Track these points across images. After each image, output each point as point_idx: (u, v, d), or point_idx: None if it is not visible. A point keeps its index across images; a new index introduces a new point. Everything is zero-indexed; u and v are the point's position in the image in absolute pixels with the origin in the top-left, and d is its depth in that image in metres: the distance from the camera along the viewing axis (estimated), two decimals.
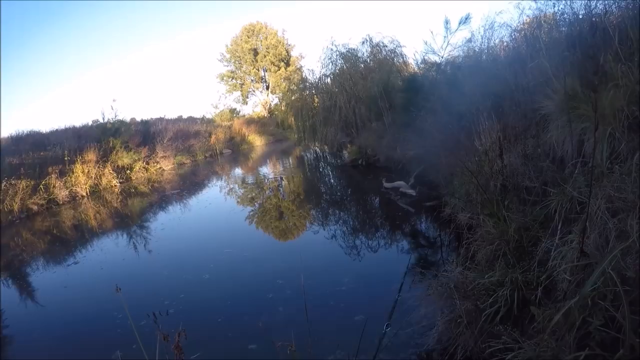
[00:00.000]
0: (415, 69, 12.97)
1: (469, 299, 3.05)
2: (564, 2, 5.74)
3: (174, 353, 1.98)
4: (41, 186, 13.11)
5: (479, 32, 8.24)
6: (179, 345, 1.98)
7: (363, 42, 14.75)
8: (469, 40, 8.77)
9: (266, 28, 38.13)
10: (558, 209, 3.19)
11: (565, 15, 5.65)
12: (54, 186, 13.51)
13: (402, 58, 14.18)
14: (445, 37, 9.84)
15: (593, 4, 4.96)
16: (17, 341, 4.63)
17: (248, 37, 37.77)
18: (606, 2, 4.79)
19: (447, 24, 9.70)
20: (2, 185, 12.05)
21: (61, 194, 13.60)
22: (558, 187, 3.39)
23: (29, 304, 5.73)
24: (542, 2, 6.27)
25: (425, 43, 10.83)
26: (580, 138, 3.54)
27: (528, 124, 4.78)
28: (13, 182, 12.33)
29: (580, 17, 5.18)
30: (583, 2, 5.16)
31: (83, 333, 4.51)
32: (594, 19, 4.74)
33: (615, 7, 4.62)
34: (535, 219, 3.47)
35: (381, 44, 14.37)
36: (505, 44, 7.51)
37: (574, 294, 2.23)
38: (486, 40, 7.89)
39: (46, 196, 13.08)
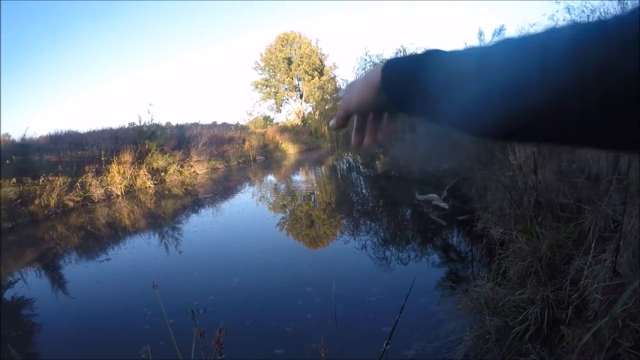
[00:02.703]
0: None
1: (498, 315, 3.04)
2: (598, 13, 5.68)
3: (212, 349, 2.03)
4: (77, 184, 13.69)
5: None
6: (219, 341, 2.03)
7: (396, 53, 14.70)
8: None
9: (300, 37, 38.47)
10: (592, 227, 3.15)
11: None
12: (90, 184, 14.07)
13: None
14: None
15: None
16: (45, 330, 4.87)
17: (282, 46, 38.19)
18: None
19: (480, 35, 9.64)
20: (40, 181, 12.56)
21: (97, 192, 14.11)
22: (592, 205, 3.35)
23: (60, 295, 5.97)
24: (576, 14, 6.21)
25: None
26: (615, 154, 3.48)
27: None
28: (51, 178, 12.85)
29: None
30: (617, 14, 5.09)
31: (111, 327, 4.67)
32: None
33: None
34: (568, 237, 3.42)
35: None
36: None
37: (605, 314, 2.21)
38: None
39: (82, 193, 13.65)
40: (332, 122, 0.71)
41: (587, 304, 2.59)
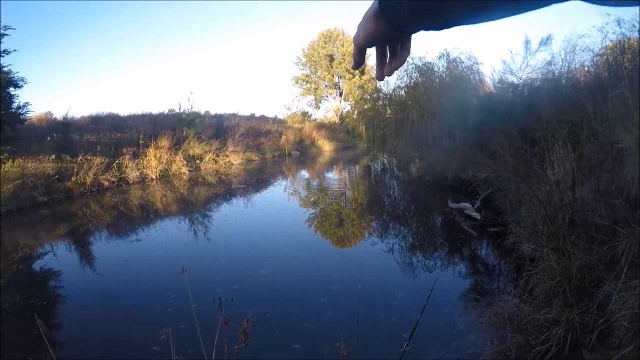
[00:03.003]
0: (492, 88, 12.64)
1: (521, 332, 2.99)
2: None
3: (238, 337, 2.06)
4: (114, 165, 14.24)
5: (560, 55, 7.97)
6: (246, 330, 2.06)
7: (440, 57, 14.51)
8: (549, 63, 8.48)
9: (343, 35, 38.42)
10: (625, 251, 3.06)
11: None
12: (126, 166, 14.61)
13: (479, 76, 13.82)
14: (524, 57, 9.54)
15: None
16: (69, 302, 5.07)
17: (325, 43, 38.25)
18: None
19: (527, 44, 9.41)
20: (78, 159, 13.06)
21: (132, 174, 14.62)
22: (629, 228, 3.25)
23: (87, 270, 6.19)
24: (627, 27, 6.01)
25: (504, 62, 10.57)
26: None
27: (604, 157, 4.57)
28: (89, 157, 13.33)
29: None
30: None
31: (134, 306, 4.84)
32: None
33: None
34: (600, 259, 3.33)
35: (458, 60, 14.08)
36: (586, 69, 7.23)
37: (630, 343, 2.15)
38: (566, 64, 7.63)
39: (118, 174, 14.22)
40: (352, 64, 0.74)
41: (612, 330, 2.52)
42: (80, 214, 10.02)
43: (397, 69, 0.73)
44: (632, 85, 4.53)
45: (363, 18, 0.65)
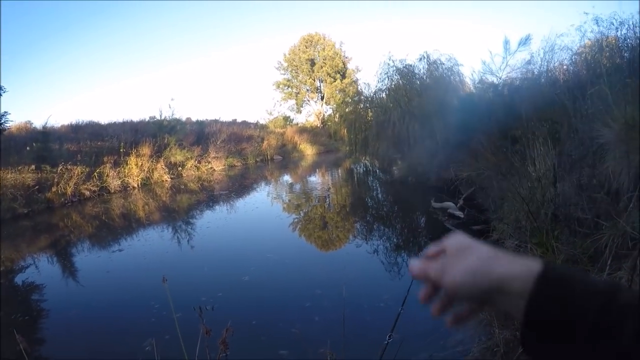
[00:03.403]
0: (472, 88, 12.76)
1: (508, 328, 2.98)
2: (626, 26, 5.57)
3: (218, 348, 2.02)
4: (95, 174, 13.95)
5: (539, 55, 8.07)
6: (225, 341, 2.02)
7: (420, 59, 14.61)
8: (528, 62, 8.59)
9: (324, 40, 38.53)
10: (609, 244, 3.07)
11: (629, 40, 5.48)
12: (107, 175, 14.33)
13: (459, 77, 13.96)
14: (504, 57, 9.66)
15: None
16: (53, 316, 4.94)
17: (306, 47, 38.29)
18: None
19: (506, 44, 9.53)
20: (59, 169, 12.80)
21: (113, 183, 14.37)
22: (611, 221, 3.27)
23: (70, 282, 6.06)
24: (605, 26, 6.10)
25: (484, 63, 10.66)
26: (637, 170, 3.40)
27: (584, 153, 4.62)
28: (69, 167, 13.10)
29: None
30: None
31: (118, 317, 4.73)
32: None
33: None
34: (584, 252, 3.35)
35: (438, 62, 14.19)
36: (565, 67, 7.32)
37: None
38: (545, 63, 7.72)
39: (99, 184, 13.93)
40: (420, 298, 0.61)
41: None
42: (62, 225, 9.82)
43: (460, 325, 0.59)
44: (611, 82, 4.59)
45: (477, 270, 0.52)
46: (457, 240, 0.60)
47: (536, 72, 8.06)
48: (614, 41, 5.92)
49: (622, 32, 5.66)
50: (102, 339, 4.17)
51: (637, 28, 5.36)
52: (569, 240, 3.62)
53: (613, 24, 5.91)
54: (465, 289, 0.52)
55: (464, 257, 0.55)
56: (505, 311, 0.51)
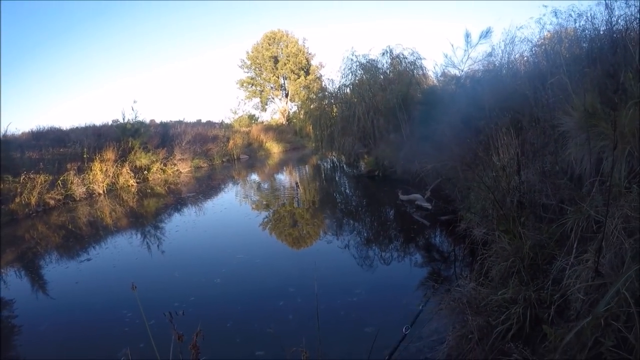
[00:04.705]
0: (435, 81, 12.95)
1: (481, 315, 3.03)
2: (585, 17, 5.72)
3: (190, 352, 1.99)
4: (59, 182, 13.46)
5: (500, 47, 8.23)
6: (196, 345, 2.00)
7: (383, 54, 14.76)
8: (490, 55, 8.75)
9: (287, 36, 38.42)
10: (574, 228, 3.15)
11: (587, 31, 5.63)
12: (71, 182, 13.84)
13: (422, 70, 14.17)
14: (465, 50, 9.83)
15: (614, 20, 4.93)
16: (25, 332, 4.73)
17: (269, 45, 38.10)
18: (627, 18, 4.77)
19: (467, 37, 9.70)
20: (21, 179, 12.31)
21: (78, 190, 13.90)
22: (575, 205, 3.36)
23: (40, 296, 5.84)
24: (563, 17, 6.26)
25: (446, 56, 10.82)
26: (598, 156, 3.50)
27: (547, 141, 4.74)
28: (32, 176, 12.61)
29: (601, 33, 5.16)
30: (604, 18, 5.14)
31: (91, 329, 4.57)
32: (615, 36, 4.72)
33: (637, 24, 4.59)
34: (550, 237, 3.43)
35: (401, 56, 14.37)
36: (525, 58, 7.49)
37: (587, 314, 2.21)
38: (506, 55, 7.88)
39: (63, 192, 13.43)
40: None
41: (569, 303, 2.59)
42: (28, 237, 9.44)
43: None
44: (570, 71, 4.72)
45: None
46: None
47: (497, 64, 8.22)
48: (572, 32, 6.08)
49: (581, 24, 5.81)
50: (75, 354, 4.03)
51: (595, 19, 5.52)
52: (535, 226, 3.70)
53: (571, 16, 6.06)
54: None
55: None
56: None
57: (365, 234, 7.65)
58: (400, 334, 3.40)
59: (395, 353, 3.29)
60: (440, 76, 11.71)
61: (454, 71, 10.35)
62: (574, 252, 2.92)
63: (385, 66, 14.85)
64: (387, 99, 13.19)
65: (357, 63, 15.13)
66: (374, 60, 14.97)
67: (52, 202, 12.80)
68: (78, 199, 13.67)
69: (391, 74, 14.46)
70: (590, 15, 5.68)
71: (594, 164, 3.53)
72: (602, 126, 3.44)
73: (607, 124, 3.35)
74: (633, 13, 4.80)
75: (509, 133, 5.28)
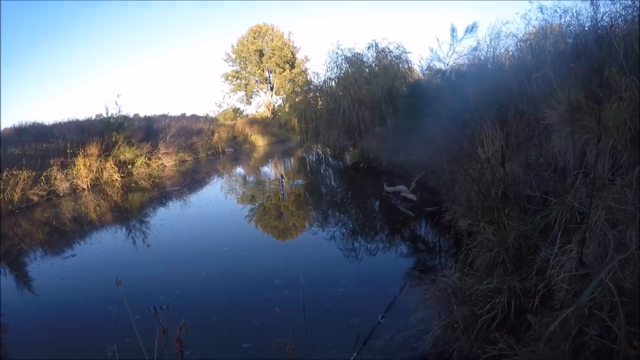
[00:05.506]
0: (420, 75, 13.00)
1: (466, 304, 3.06)
2: (570, 14, 5.78)
3: (174, 346, 1.99)
4: (42, 177, 13.21)
5: (485, 41, 8.28)
6: (180, 339, 1.99)
7: (369, 47, 14.78)
8: (475, 49, 8.80)
9: (272, 30, 38.23)
10: (558, 219, 3.20)
11: (572, 27, 5.70)
12: (55, 178, 13.60)
13: (407, 64, 14.22)
14: (451, 44, 9.87)
15: (599, 16, 4.99)
16: (10, 330, 4.65)
17: (254, 38, 37.86)
18: (612, 15, 4.83)
19: (453, 31, 9.73)
20: (4, 175, 12.08)
21: (62, 186, 13.67)
22: (559, 197, 3.41)
23: (26, 293, 5.76)
24: (549, 13, 6.32)
25: (431, 50, 10.84)
26: (582, 149, 3.56)
27: (531, 134, 4.80)
28: (14, 172, 12.36)
29: (586, 29, 5.23)
30: (589, 14, 5.20)
31: (77, 325, 4.51)
32: (599, 32, 4.78)
33: (621, 20, 4.65)
34: (535, 228, 3.48)
35: (387, 50, 14.39)
36: (510, 53, 7.55)
37: (571, 304, 2.25)
38: (492, 50, 7.93)
39: (47, 187, 13.17)
40: None
41: (553, 293, 2.63)
42: (11, 234, 9.25)
43: None
44: (555, 66, 4.77)
45: None
46: None
47: (483, 58, 8.27)
48: (557, 28, 6.14)
49: (566, 20, 5.88)
50: (62, 351, 3.98)
51: (580, 15, 5.58)
52: (519, 217, 3.75)
53: (557, 12, 6.12)
54: None
55: None
56: None
57: (350, 226, 7.68)
58: (386, 323, 3.43)
59: (375, 341, 3.33)
60: (426, 70, 11.75)
61: (439, 65, 10.39)
62: (558, 243, 2.96)
63: (370, 60, 14.87)
64: (373, 92, 13.22)
65: (343, 57, 15.14)
66: (359, 54, 14.99)
67: (35, 198, 12.57)
68: (62, 194, 13.47)
69: (377, 67, 14.48)
70: (576, 11, 5.75)
71: (578, 156, 3.59)
72: (586, 120, 3.50)
73: (591, 117, 3.40)
74: (618, 10, 4.87)
75: (494, 126, 5.33)
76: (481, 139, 5.43)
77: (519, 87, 5.48)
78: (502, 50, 7.76)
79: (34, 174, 12.97)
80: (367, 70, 14.68)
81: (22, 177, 12.38)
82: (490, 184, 4.49)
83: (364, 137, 13.35)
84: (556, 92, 4.19)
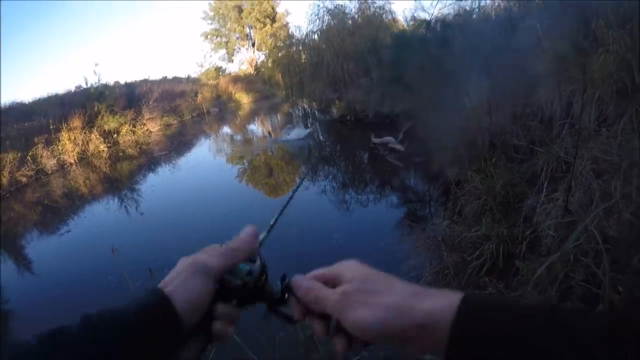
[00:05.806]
0: (405, 26, 12.82)
1: (456, 251, 3.20)
2: None
3: None
4: (28, 157, 12.98)
5: None
6: None
7: None
8: None
9: None
10: (544, 168, 3.30)
11: None
12: (41, 156, 13.42)
13: (391, 15, 13.99)
14: None
15: None
16: (12, 311, 4.74)
17: None
18: None
19: None
20: None
21: (49, 163, 13.51)
22: (545, 147, 3.50)
23: (26, 275, 5.82)
24: None
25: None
26: (568, 100, 3.62)
27: (517, 84, 4.83)
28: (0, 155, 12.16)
29: None
30: None
31: (78, 301, 4.50)
32: None
33: None
34: (522, 177, 3.59)
35: (370, 1, 14.13)
36: (497, 3, 7.47)
37: (557, 250, 2.36)
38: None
39: (34, 167, 12.99)
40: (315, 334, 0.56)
41: (540, 240, 2.76)
42: (4, 218, 9.22)
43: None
44: (541, 17, 4.75)
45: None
46: (359, 270, 0.55)
47: (468, 8, 8.17)
48: None
49: None
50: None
51: None
52: (506, 166, 3.85)
53: None
54: (384, 327, 0.47)
55: (379, 293, 0.50)
56: (423, 348, 0.46)
57: (340, 178, 7.77)
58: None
59: None
60: (410, 20, 11.57)
61: (424, 15, 10.23)
62: (545, 191, 3.07)
63: (353, 11, 14.57)
64: (356, 43, 13.03)
65: (324, 9, 14.81)
66: (341, 5, 14.67)
67: (24, 179, 12.40)
68: (50, 172, 13.33)
69: (360, 18, 14.22)
70: None
71: (564, 107, 3.65)
72: (572, 71, 3.54)
73: (577, 69, 3.45)
74: None
75: (480, 76, 5.35)
76: (467, 89, 5.45)
77: (505, 38, 5.47)
78: (488, 1, 7.68)
79: (19, 154, 12.72)
80: (349, 22, 14.42)
81: (7, 160, 12.16)
82: (477, 134, 4.56)
83: (350, 89, 13.24)
84: (542, 42, 4.20)
